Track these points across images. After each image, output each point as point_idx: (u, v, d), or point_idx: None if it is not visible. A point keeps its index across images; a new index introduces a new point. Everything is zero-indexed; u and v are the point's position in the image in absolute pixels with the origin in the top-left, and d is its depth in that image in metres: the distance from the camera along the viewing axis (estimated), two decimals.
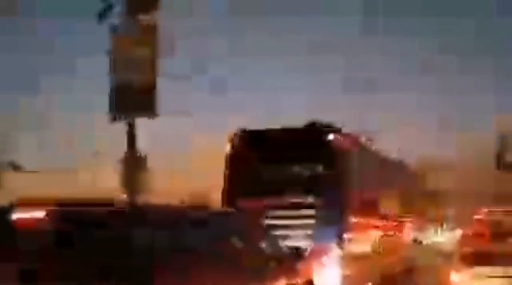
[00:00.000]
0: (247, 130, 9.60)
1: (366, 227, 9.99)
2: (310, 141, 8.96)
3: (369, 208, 10.28)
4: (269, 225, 6.88)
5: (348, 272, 8.59)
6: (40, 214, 3.88)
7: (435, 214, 18.18)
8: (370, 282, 9.63)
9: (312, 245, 8.32)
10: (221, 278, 4.66)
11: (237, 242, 5.46)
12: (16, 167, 38.64)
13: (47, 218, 3.83)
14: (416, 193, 15.83)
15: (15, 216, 3.91)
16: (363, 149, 10.56)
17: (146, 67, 9.62)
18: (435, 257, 14.52)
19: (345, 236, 8.68)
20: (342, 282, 8.39)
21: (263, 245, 5.99)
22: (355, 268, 8.93)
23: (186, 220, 4.89)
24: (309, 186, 8.86)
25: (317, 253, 8.19)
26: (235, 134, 9.58)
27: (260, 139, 9.38)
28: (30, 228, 3.82)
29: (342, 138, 9.20)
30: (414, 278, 11.99)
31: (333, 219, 8.60)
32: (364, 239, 9.74)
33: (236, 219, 6.06)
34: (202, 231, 4.92)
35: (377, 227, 10.85)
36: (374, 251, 10.31)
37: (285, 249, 6.30)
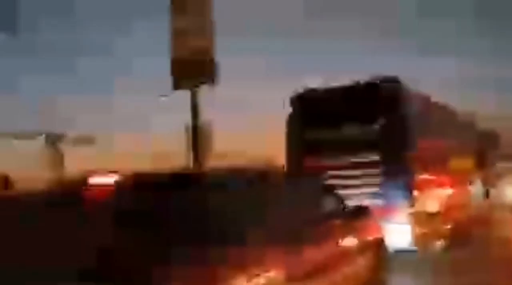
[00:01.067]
0: (308, 89, 9.50)
1: (435, 184, 9.76)
2: (374, 97, 8.75)
3: (437, 165, 10.02)
4: (334, 185, 6.84)
5: (418, 229, 8.47)
6: (111, 180, 4.04)
7: (503, 170, 17.77)
8: (442, 238, 9.47)
9: (380, 203, 8.26)
10: (290, 238, 4.72)
11: (303, 204, 5.49)
12: (89, 140, 40.62)
13: (119, 184, 3.98)
14: (483, 149, 15.41)
15: (89, 182, 4.10)
16: (431, 104, 10.22)
17: (205, 34, 9.71)
18: (506, 211, 14.29)
19: (413, 193, 8.52)
20: (413, 240, 8.30)
21: (330, 205, 5.99)
22: (426, 225, 8.79)
23: (255, 181, 4.97)
24: (375, 144, 8.71)
25: (385, 211, 8.13)
26: (295, 95, 9.51)
27: (321, 98, 9.26)
28: (102, 195, 3.96)
29: (408, 93, 8.93)
30: (486, 232, 11.71)
31: (401, 177, 8.45)
32: (433, 196, 9.53)
33: (301, 180, 6.08)
34: (269, 192, 5.01)
35: (445, 183, 10.58)
36: (444, 207, 10.09)
37: (351, 209, 6.28)
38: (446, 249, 9.24)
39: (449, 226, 10.12)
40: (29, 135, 40.62)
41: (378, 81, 8.83)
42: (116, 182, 4.03)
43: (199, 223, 3.90)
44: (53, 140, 41.70)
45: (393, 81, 8.78)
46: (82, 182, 4.11)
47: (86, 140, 41.84)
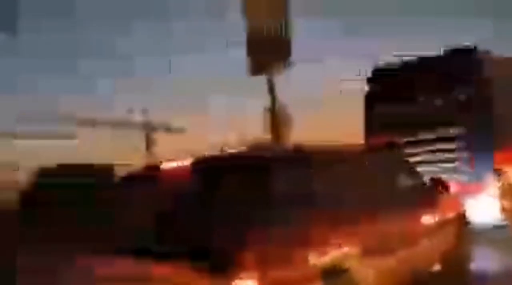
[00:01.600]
0: (384, 64, 9.31)
1: None
2: (452, 68, 8.40)
3: None
4: (414, 161, 6.71)
5: (504, 204, 8.09)
6: (186, 163, 4.28)
7: None
8: None
9: (463, 178, 7.99)
10: (371, 213, 4.77)
11: (383, 179, 5.46)
12: (168, 129, 42.40)
13: (192, 166, 4.20)
14: None
15: (164, 166, 4.37)
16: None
17: (280, 16, 9.77)
18: None
19: (495, 167, 8.12)
20: (497, 215, 7.94)
21: (409, 180, 5.91)
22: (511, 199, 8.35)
23: (336, 158, 5.03)
24: (456, 117, 8.39)
25: (468, 187, 7.85)
26: (372, 71, 9.36)
27: (398, 72, 9.04)
28: (177, 177, 4.20)
29: (489, 60, 8.47)
30: None
31: (483, 151, 8.09)
32: None
33: (380, 156, 6.02)
34: (350, 168, 5.04)
35: None
36: None
37: (431, 184, 6.16)
38: None
39: None
40: (128, 125, 43.05)
41: (457, 50, 8.47)
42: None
43: (283, 201, 4.03)
44: (149, 129, 43.92)
45: (472, 50, 8.38)
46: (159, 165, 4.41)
47: (177, 130, 43.67)
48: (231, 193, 3.88)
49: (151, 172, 4.66)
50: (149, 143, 43.14)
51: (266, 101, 10.02)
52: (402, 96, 8.85)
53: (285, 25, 10.22)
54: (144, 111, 42.16)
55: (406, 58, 9.10)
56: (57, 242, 4.16)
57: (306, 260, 3.87)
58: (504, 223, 7.98)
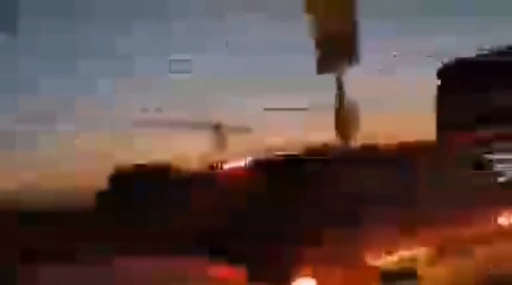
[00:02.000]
0: (455, 58, 9.00)
1: None
2: None
3: None
4: (490, 159, 6.41)
5: None
6: (245, 163, 4.31)
7: None
8: None
9: None
10: (445, 213, 4.62)
11: (457, 178, 5.29)
12: (246, 129, 43.10)
13: (253, 165, 4.23)
14: None
15: (226, 166, 4.44)
16: None
17: (343, 11, 9.63)
18: None
19: None
20: None
21: (484, 180, 5.68)
22: None
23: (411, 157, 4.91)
24: None
25: None
26: (443, 65, 9.08)
27: (471, 66, 8.70)
28: (238, 177, 4.25)
29: None
30: None
31: None
32: None
33: (453, 154, 5.83)
34: (423, 167, 4.91)
35: None
36: None
37: (508, 183, 5.88)
38: None
39: None
40: (201, 125, 44.24)
41: None
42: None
43: (351, 200, 3.99)
44: (219, 130, 44.89)
45: None
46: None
47: (244, 130, 44.33)
48: (296, 193, 3.87)
49: (219, 172, 4.74)
50: (219, 143, 44.08)
51: (330, 100, 9.89)
52: (477, 90, 8.50)
53: (353, 22, 10.06)
54: (214, 111, 43.16)
55: (478, 53, 8.76)
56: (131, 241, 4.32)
57: (372, 261, 3.79)
58: None
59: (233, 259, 3.44)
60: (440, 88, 9.13)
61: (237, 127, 43.51)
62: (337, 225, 3.79)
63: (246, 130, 43.74)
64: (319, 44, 9.94)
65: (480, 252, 4.89)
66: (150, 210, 5.00)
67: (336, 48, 9.66)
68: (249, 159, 4.32)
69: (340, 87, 9.64)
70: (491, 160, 6.36)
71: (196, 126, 43.22)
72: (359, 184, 4.21)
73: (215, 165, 5.04)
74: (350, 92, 9.84)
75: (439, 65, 9.15)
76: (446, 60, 9.15)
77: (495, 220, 5.29)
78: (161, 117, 42.45)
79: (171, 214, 4.51)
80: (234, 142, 43.07)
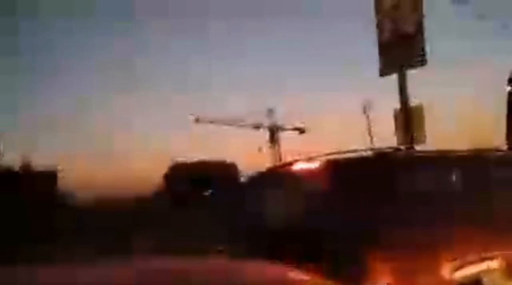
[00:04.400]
0: None
1: None
2: None
3: None
4: None
5: None
6: (315, 164, 4.25)
7: None
8: None
9: None
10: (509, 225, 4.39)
11: None
12: (301, 130, 43.11)
13: (322, 167, 4.16)
14: None
15: (295, 167, 4.39)
16: None
17: (410, 13, 9.40)
18: None
19: None
20: None
21: None
22: None
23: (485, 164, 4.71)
24: None
25: None
26: None
27: None
28: (308, 177, 4.19)
29: None
30: None
31: None
32: None
33: None
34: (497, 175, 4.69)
35: None
36: None
37: None
38: None
39: None
40: (256, 126, 44.64)
41: None
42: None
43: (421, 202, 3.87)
44: (273, 130, 45.07)
45: None
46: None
47: (299, 130, 44.29)
48: (368, 196, 3.78)
49: (281, 172, 4.70)
50: (274, 143, 44.23)
51: (393, 101, 9.65)
52: None
53: (419, 24, 9.81)
54: (270, 111, 43.27)
55: None
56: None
57: (446, 271, 3.66)
58: None
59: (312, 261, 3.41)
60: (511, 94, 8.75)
61: (292, 127, 43.67)
62: (417, 231, 3.68)
63: (303, 130, 43.76)
64: (385, 45, 9.75)
65: None
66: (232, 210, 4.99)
67: (402, 49, 9.44)
68: (322, 159, 4.26)
69: (402, 89, 9.41)
70: None
71: (254, 125, 43.66)
72: (428, 190, 4.07)
73: (285, 164, 5.00)
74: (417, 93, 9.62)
75: None
76: None
77: None
78: (219, 116, 43.21)
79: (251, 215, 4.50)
80: (289, 142, 43.28)
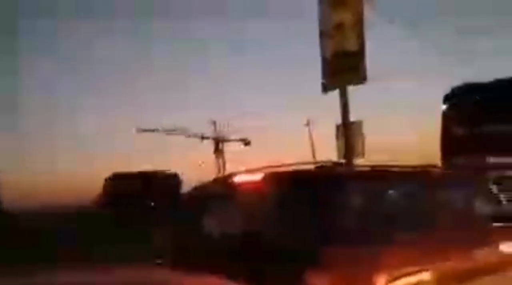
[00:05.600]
0: (464, 84, 9.03)
1: None
2: None
3: None
4: (490, 187, 6.39)
5: None
6: (258, 177, 4.27)
7: None
8: None
9: None
10: (440, 239, 4.57)
11: (457, 204, 5.25)
12: (246, 142, 43.31)
13: (264, 180, 4.19)
14: None
15: (236, 179, 4.39)
16: None
17: (352, 32, 9.68)
18: None
19: None
20: None
21: (486, 207, 5.64)
22: None
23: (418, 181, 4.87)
24: None
25: None
26: (451, 90, 9.11)
27: (479, 92, 8.73)
28: (249, 191, 4.21)
29: None
30: None
31: None
32: None
33: (455, 180, 5.80)
34: (421, 191, 4.83)
35: None
36: None
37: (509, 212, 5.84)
38: None
39: None
40: (201, 136, 44.31)
41: None
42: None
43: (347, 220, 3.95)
44: (218, 141, 44.92)
45: None
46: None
47: (244, 142, 44.41)
48: (309, 210, 3.83)
49: (224, 185, 4.70)
50: (218, 154, 44.15)
51: (337, 118, 9.88)
52: (484, 116, 8.52)
53: (360, 42, 10.10)
54: (213, 123, 43.24)
55: (487, 79, 8.78)
56: None
57: (381, 283, 3.76)
58: None
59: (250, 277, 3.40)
60: (446, 113, 9.15)
61: (236, 139, 43.81)
62: (345, 247, 3.75)
63: (245, 142, 43.92)
64: (327, 63, 9.99)
65: (487, 280, 4.85)
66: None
67: (344, 66, 9.70)
68: (264, 171, 4.28)
69: (345, 105, 9.66)
70: (501, 188, 6.35)
71: (198, 136, 43.46)
72: (365, 205, 4.18)
73: (225, 177, 5.00)
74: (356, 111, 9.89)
75: (448, 89, 9.18)
76: (454, 85, 9.17)
77: (498, 249, 5.26)
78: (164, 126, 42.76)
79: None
80: (234, 155, 43.41)
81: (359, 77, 9.31)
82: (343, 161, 9.00)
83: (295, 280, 3.39)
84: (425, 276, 4.12)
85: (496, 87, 8.63)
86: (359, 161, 8.84)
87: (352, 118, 9.47)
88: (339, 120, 9.53)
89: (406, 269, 4.00)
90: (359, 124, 9.73)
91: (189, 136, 43.64)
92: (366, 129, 9.54)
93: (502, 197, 5.95)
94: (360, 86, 9.41)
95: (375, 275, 3.76)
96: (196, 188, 5.23)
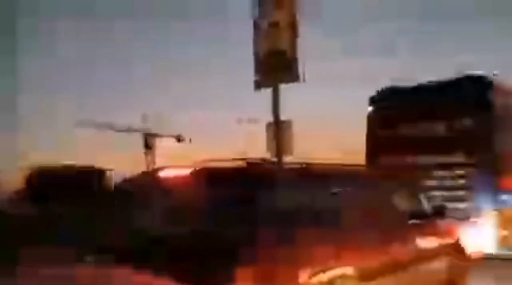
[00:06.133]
0: (387, 87, 9.40)
1: None
2: (460, 94, 8.47)
3: None
4: (413, 185, 6.71)
5: (504, 233, 8.07)
6: (185, 172, 4.28)
7: None
8: None
9: (464, 206, 7.99)
10: (361, 235, 4.74)
11: (377, 202, 5.45)
12: (178, 138, 42.87)
13: (191, 176, 4.20)
14: None
15: (162, 174, 4.38)
16: None
17: (287, 32, 9.80)
18: None
19: (500, 195, 8.12)
20: (495, 243, 7.92)
21: (405, 205, 5.91)
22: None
23: (340, 179, 5.02)
24: (459, 144, 8.43)
25: (469, 215, 7.85)
26: (375, 93, 9.45)
27: (402, 96, 9.13)
28: (175, 186, 4.21)
29: (496, 91, 8.52)
30: None
31: (488, 178, 8.10)
32: None
33: (378, 179, 6.03)
34: (351, 189, 5.03)
35: None
36: None
37: (428, 210, 6.15)
38: None
39: None
40: (132, 130, 43.38)
41: (464, 78, 8.54)
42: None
43: (268, 218, 4.00)
44: (149, 136, 44.17)
45: (480, 78, 8.44)
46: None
47: (177, 138, 43.89)
48: (228, 207, 3.86)
49: (150, 178, 4.67)
50: (148, 149, 43.53)
51: (269, 116, 9.99)
52: (406, 119, 8.91)
53: (294, 41, 10.23)
54: (144, 117, 42.55)
55: (411, 84, 9.18)
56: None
57: (303, 277, 3.86)
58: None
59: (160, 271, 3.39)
60: (371, 115, 9.48)
61: (168, 134, 43.30)
62: (270, 243, 3.81)
63: (179, 138, 43.47)
64: (260, 61, 10.07)
65: (402, 275, 5.08)
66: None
67: (277, 65, 9.82)
68: (192, 166, 4.28)
69: (276, 103, 9.79)
70: (418, 188, 6.66)
71: (128, 129, 42.59)
72: (291, 202, 4.25)
73: (153, 171, 4.96)
74: (289, 109, 10.05)
75: (373, 92, 9.52)
76: (380, 88, 9.51)
77: (417, 245, 5.53)
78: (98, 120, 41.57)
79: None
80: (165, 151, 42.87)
81: (292, 76, 9.44)
82: (275, 159, 9.13)
83: (219, 278, 3.41)
84: (347, 270, 4.27)
85: (417, 91, 9.04)
86: (288, 159, 8.99)
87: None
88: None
89: (329, 264, 4.13)
90: (289, 123, 9.90)
91: (120, 130, 42.69)
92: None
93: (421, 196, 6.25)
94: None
95: (298, 270, 3.86)
96: (124, 182, 5.16)
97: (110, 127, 42.06)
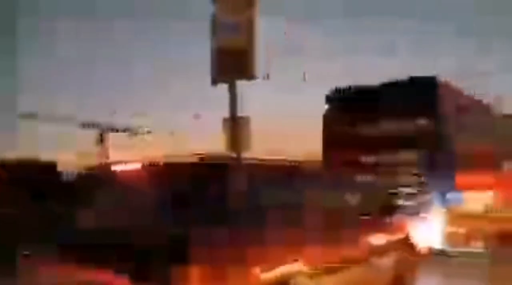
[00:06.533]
0: (344, 87, 9.53)
1: (475, 185, 9.52)
2: (409, 96, 8.68)
3: (478, 164, 9.78)
4: (365, 183, 6.83)
5: (453, 230, 8.32)
6: (135, 166, 4.21)
7: None
8: (480, 240, 9.22)
9: (412, 202, 8.18)
10: (317, 232, 4.78)
11: (330, 198, 5.51)
12: (132, 132, 42.27)
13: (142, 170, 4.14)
14: None
15: (115, 168, 4.30)
16: (472, 101, 9.99)
17: (244, 29, 9.77)
18: None
19: (449, 193, 8.38)
20: (444, 239, 8.17)
21: (357, 202, 6.00)
22: (462, 225, 8.61)
23: (287, 175, 5.03)
24: (411, 142, 8.63)
25: (419, 210, 8.04)
26: (332, 92, 9.56)
27: (357, 96, 9.27)
28: (126, 179, 4.14)
29: (444, 92, 8.79)
30: None
31: (437, 176, 8.33)
32: (472, 197, 9.31)
33: (330, 176, 6.10)
34: (298, 187, 5.05)
35: (488, 184, 10.27)
36: (485, 208, 9.81)
37: (380, 206, 6.26)
38: (488, 251, 8.92)
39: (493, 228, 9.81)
40: (85, 124, 42.52)
41: (415, 80, 8.75)
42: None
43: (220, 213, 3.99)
44: (102, 129, 43.47)
45: (431, 80, 8.67)
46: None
47: (130, 132, 43.13)
48: (180, 202, 3.81)
49: (103, 172, 4.58)
50: (102, 143, 42.88)
51: (225, 112, 9.93)
52: (361, 118, 9.05)
53: (252, 37, 10.17)
54: (111, 113, 41.94)
55: (367, 84, 9.33)
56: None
57: (256, 273, 3.86)
58: (456, 249, 8.17)
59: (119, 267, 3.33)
60: (327, 113, 9.59)
61: (121, 128, 42.76)
62: (221, 241, 3.79)
63: (132, 132, 42.89)
64: (217, 56, 10.01)
65: (351, 271, 5.16)
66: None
67: (234, 61, 9.79)
68: (144, 161, 4.22)
69: (232, 99, 9.76)
70: (371, 185, 6.78)
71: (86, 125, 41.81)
72: (245, 197, 4.24)
73: (105, 165, 4.86)
74: (245, 106, 10.03)
75: (330, 91, 9.63)
76: (337, 86, 9.64)
77: (367, 241, 5.62)
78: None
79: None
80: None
81: (248, 73, 9.40)
82: (234, 154, 9.09)
83: (162, 276, 3.37)
84: (298, 267, 4.30)
85: (370, 91, 9.21)
86: (244, 155, 8.96)
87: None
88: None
89: (280, 261, 4.15)
90: (246, 119, 9.88)
91: (73, 123, 41.86)
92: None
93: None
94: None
95: (249, 267, 3.86)
96: (74, 176, 5.04)
97: (68, 120, 41.29)
